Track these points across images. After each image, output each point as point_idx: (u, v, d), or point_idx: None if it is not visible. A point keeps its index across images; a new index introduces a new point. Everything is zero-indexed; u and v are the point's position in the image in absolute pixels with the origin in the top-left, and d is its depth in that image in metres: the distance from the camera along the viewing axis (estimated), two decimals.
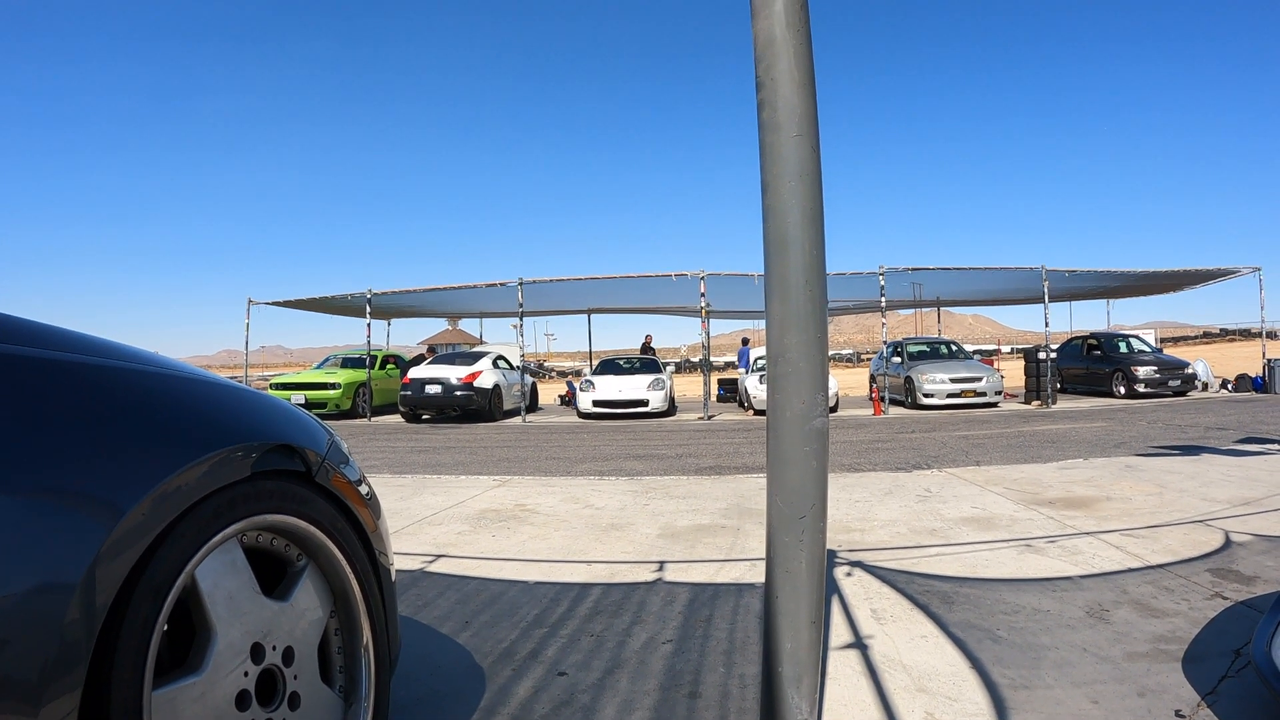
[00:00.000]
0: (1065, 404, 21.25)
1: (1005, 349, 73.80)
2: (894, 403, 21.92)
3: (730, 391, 27.48)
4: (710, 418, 20.13)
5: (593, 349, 34.42)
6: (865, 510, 6.95)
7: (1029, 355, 22.44)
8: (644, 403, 20.63)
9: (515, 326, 24.31)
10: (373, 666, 2.25)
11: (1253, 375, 23.96)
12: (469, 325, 55.71)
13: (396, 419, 22.01)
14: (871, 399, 22.38)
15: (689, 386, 33.58)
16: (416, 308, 29.79)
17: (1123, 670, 3.42)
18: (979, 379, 20.84)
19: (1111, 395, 23.05)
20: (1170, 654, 3.58)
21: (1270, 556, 5.05)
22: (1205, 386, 24.33)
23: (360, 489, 2.37)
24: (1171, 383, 22.30)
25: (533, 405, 24.62)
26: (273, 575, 2.02)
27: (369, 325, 23.77)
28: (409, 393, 20.59)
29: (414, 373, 21.03)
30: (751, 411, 21.37)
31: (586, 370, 25.96)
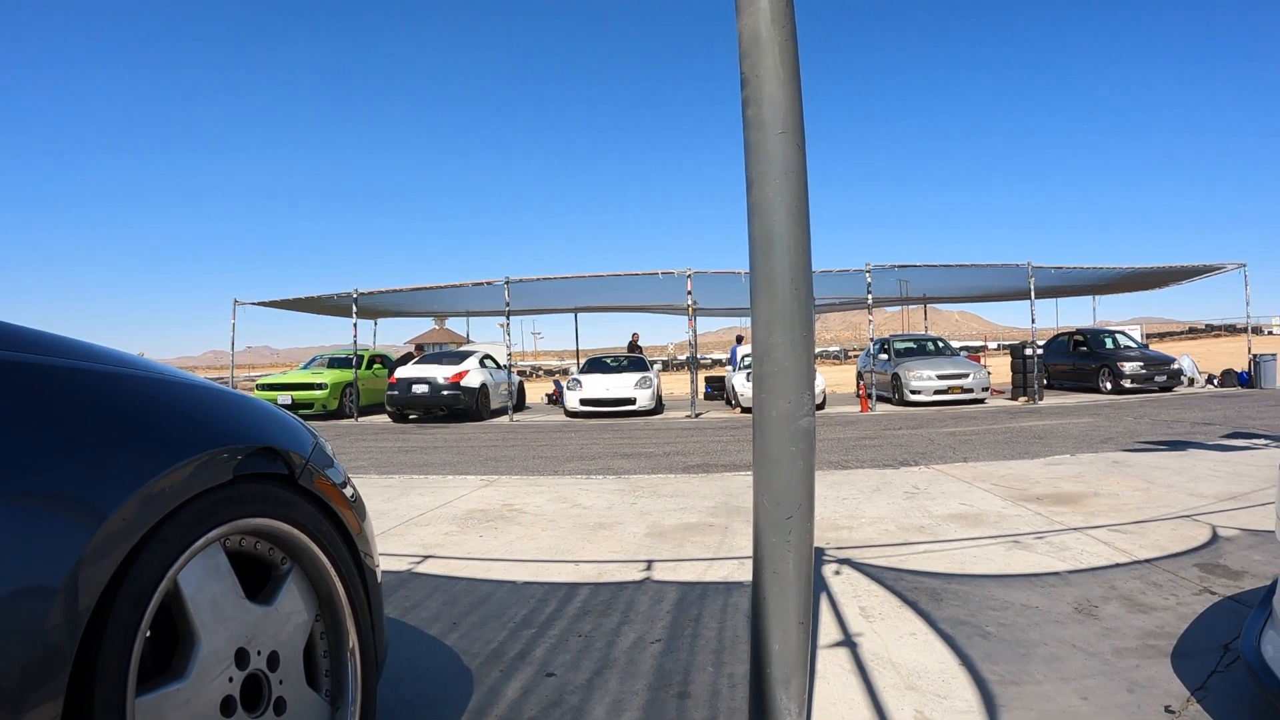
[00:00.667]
0: (1052, 400, 21.30)
1: (992, 345, 73.95)
2: (881, 399, 21.95)
3: (717, 389, 27.50)
4: (697, 416, 20.14)
5: (580, 347, 34.40)
6: (853, 507, 6.96)
7: (1015, 351, 22.49)
8: (631, 401, 20.62)
9: (502, 325, 24.31)
10: (359, 670, 2.23)
11: (1238, 370, 24.05)
12: (456, 325, 55.69)
13: (383, 419, 21.93)
14: (859, 396, 22.38)
15: (676, 384, 33.62)
16: (403, 307, 29.72)
17: (1112, 666, 3.42)
18: (966, 375, 20.90)
19: (1098, 391, 23.09)
20: (1159, 649, 3.59)
21: (1258, 551, 5.07)
22: (1191, 382, 24.42)
23: (344, 491, 2.35)
24: (1158, 378, 22.34)
25: (520, 404, 24.57)
26: (257, 579, 2.00)
27: (355, 325, 23.66)
28: (396, 392, 20.51)
29: (401, 372, 20.97)
30: (739, 409, 21.37)
31: (573, 369, 25.90)
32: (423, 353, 26.74)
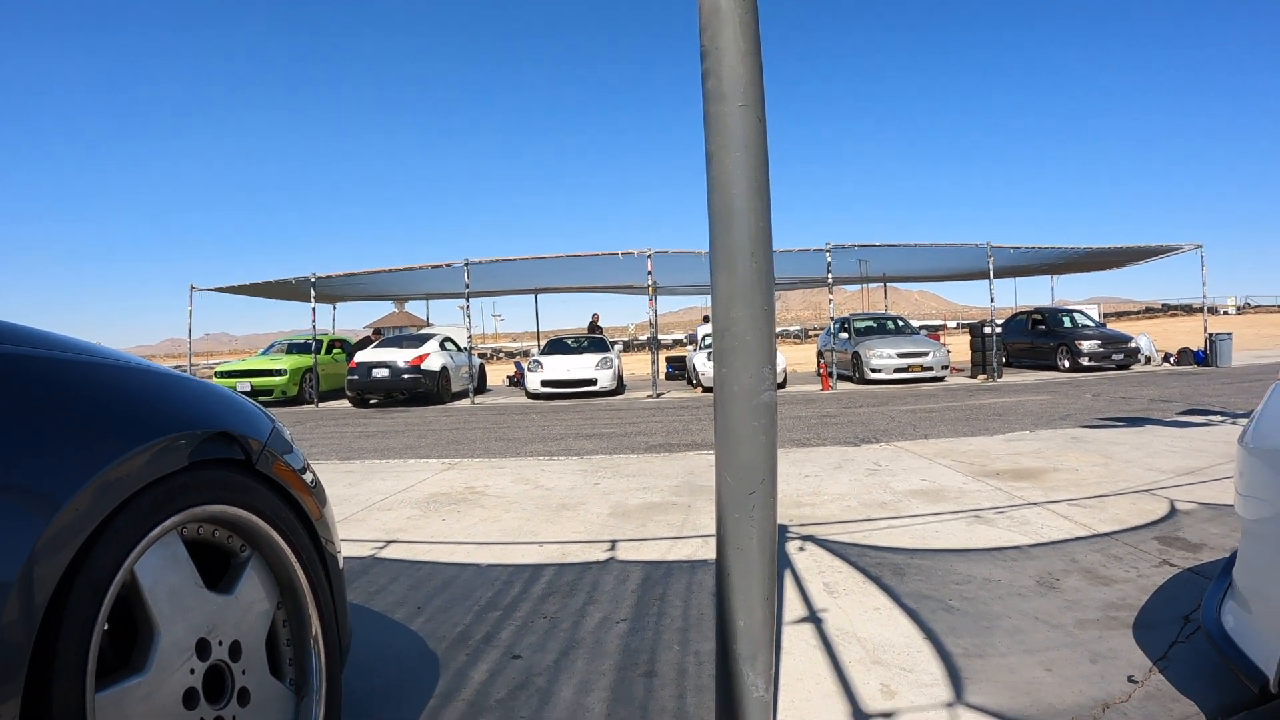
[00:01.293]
0: (1011, 378, 21.51)
1: (951, 324, 74.53)
2: (842, 378, 22.05)
3: (678, 369, 27.45)
4: (659, 395, 20.12)
5: (540, 329, 34.32)
6: (816, 485, 6.98)
7: (975, 330, 22.67)
8: (592, 381, 20.56)
9: (462, 308, 24.05)
10: (323, 657, 2.20)
11: (1194, 349, 24.34)
12: (416, 308, 55.35)
13: (344, 404, 21.72)
14: (819, 375, 22.40)
15: (637, 365, 33.59)
16: (362, 291, 29.41)
17: (1075, 637, 3.46)
18: (925, 354, 21.02)
19: (1056, 369, 23.34)
20: (1121, 621, 3.63)
21: (1215, 524, 5.13)
22: (1148, 360, 24.72)
23: (304, 476, 2.31)
24: (1115, 356, 22.62)
25: (481, 387, 24.47)
26: (216, 568, 1.96)
27: (314, 309, 23.31)
28: (356, 377, 20.33)
29: (360, 356, 20.77)
30: (700, 388, 21.36)
31: (534, 351, 25.79)
32: (381, 336, 26.50)
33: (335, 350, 25.33)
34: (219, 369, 23.56)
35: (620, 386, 22.15)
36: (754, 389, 1.99)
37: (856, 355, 21.70)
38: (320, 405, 21.91)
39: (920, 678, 3.11)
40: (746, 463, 2.02)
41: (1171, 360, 25.06)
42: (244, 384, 21.30)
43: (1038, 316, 25.84)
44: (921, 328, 39.54)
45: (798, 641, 3.51)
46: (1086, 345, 22.57)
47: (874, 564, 4.61)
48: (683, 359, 26.97)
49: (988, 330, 21.78)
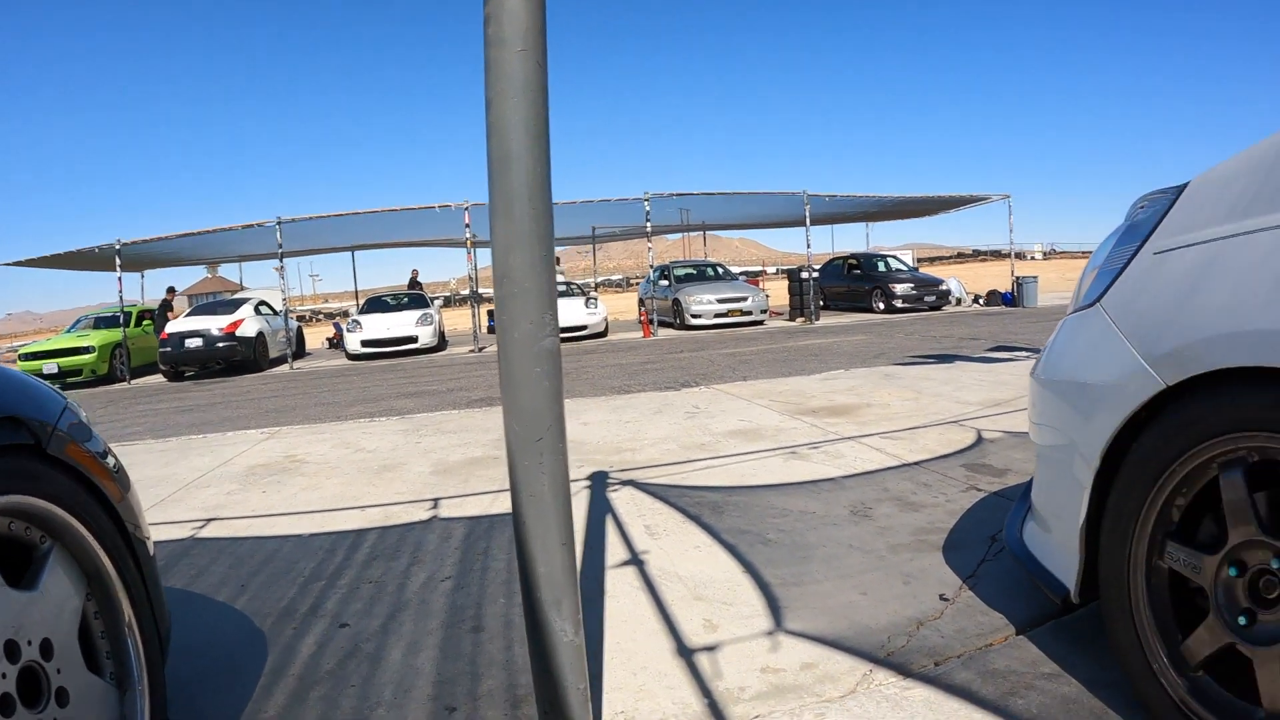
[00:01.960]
0: (828, 320, 22.15)
1: (771, 270, 76.11)
2: (663, 325, 22.34)
3: None
4: (480, 350, 19.99)
5: (359, 288, 33.50)
6: (636, 430, 7.04)
7: (792, 275, 23.25)
8: (413, 339, 20.29)
9: (277, 269, 23.17)
10: (140, 646, 2.09)
11: (1002, 291, 25.53)
12: (229, 271, 53.34)
13: (159, 379, 20.54)
14: (641, 322, 22.57)
15: (459, 320, 33.21)
16: (172, 256, 27.99)
17: (887, 561, 3.59)
18: (745, 298, 21.47)
19: (872, 311, 24.15)
20: (931, 543, 3.78)
21: (1019, 450, 5.39)
22: (959, 301, 25.82)
23: (105, 461, 2.18)
24: (927, 298, 23.58)
25: (300, 351, 23.74)
26: (16, 563, 1.84)
27: (120, 279, 21.89)
28: (168, 349, 19.32)
29: (172, 327, 19.72)
30: None
31: (353, 310, 25.15)
32: (175, 294, 25.23)
33: (146, 322, 23.98)
34: (22, 351, 22.01)
35: (442, 343, 21.92)
36: (534, 335, 1.98)
37: (677, 302, 21.95)
38: (134, 382, 20.62)
39: (741, 610, 3.18)
40: (531, 408, 2.00)
41: (981, 301, 26.22)
42: (50, 365, 19.86)
43: (853, 261, 26.64)
44: (742, 274, 40.22)
45: (622, 584, 3.54)
46: (900, 288, 23.42)
47: (694, 504, 4.67)
48: None
49: (805, 275, 22.37)
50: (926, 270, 31.58)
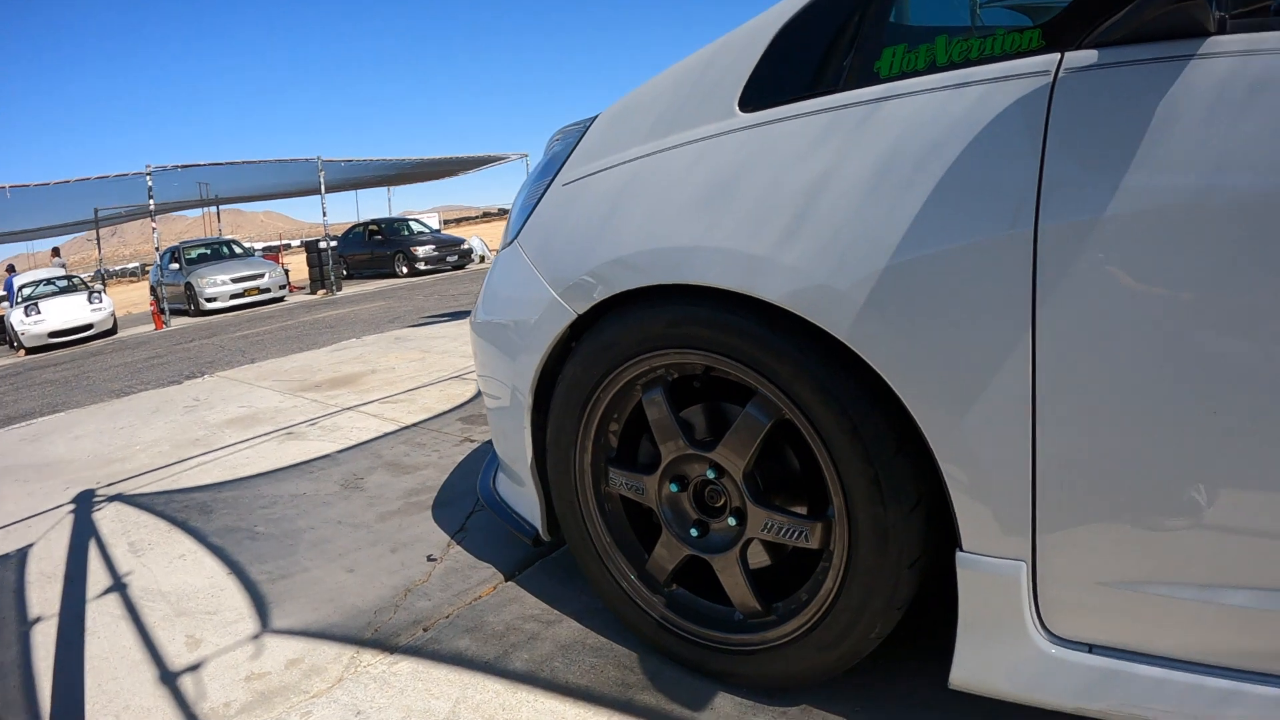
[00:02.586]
0: (351, 289, 21.71)
1: (295, 243, 73.81)
2: (178, 313, 20.84)
3: None
4: None
5: None
6: (130, 436, 6.42)
7: (310, 246, 22.63)
8: None
9: None
10: None
11: None
12: None
13: None
14: (152, 313, 20.88)
15: None
16: None
17: (376, 533, 3.49)
18: (261, 275, 20.57)
19: (395, 276, 24.06)
20: (421, 504, 3.74)
21: None
22: (482, 259, 26.29)
23: None
24: (450, 259, 23.87)
25: None
26: None
27: None
28: None
29: None
30: (23, 351, 18.67)
31: None
32: None
33: None
34: None
35: None
36: None
37: (190, 286, 20.50)
38: None
39: (225, 617, 2.94)
40: None
41: None
42: None
43: (374, 228, 26.35)
44: (264, 249, 38.70)
45: (103, 616, 3.14)
46: (422, 250, 23.55)
47: (181, 508, 4.29)
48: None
49: (323, 245, 21.85)
50: (453, 231, 31.92)
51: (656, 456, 2.11)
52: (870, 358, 1.57)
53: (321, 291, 21.39)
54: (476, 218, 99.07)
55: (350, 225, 28.50)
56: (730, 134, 1.85)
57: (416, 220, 27.31)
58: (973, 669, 1.63)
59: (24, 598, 3.37)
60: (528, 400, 2.36)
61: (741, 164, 1.80)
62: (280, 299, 20.83)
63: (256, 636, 2.77)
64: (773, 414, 1.83)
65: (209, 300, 19.92)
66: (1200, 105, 1.22)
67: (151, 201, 20.91)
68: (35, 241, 32.93)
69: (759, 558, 2.03)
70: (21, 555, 3.91)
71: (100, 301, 18.95)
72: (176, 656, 2.73)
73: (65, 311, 18.20)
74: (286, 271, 21.94)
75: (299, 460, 4.81)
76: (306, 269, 22.94)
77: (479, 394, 5.70)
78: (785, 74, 1.81)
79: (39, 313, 17.99)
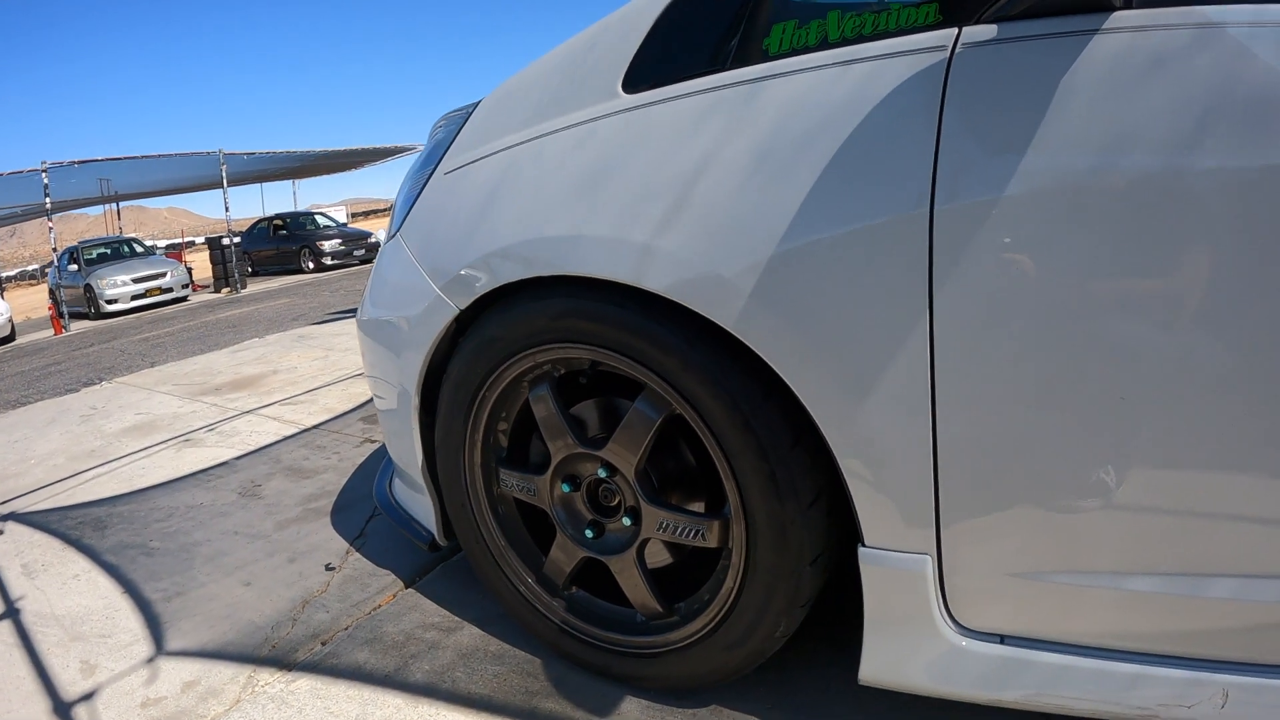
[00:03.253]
0: (256, 286, 21.24)
1: (199, 240, 72.28)
2: (78, 316, 20.09)
3: None
4: None
5: None
6: (24, 449, 6.14)
7: (213, 243, 22.15)
8: None
9: None
10: None
11: None
12: None
13: None
14: (51, 318, 20.21)
15: None
16: None
17: (274, 543, 3.38)
18: (164, 274, 19.98)
19: (302, 271, 23.63)
20: (321, 510, 3.64)
21: None
22: None
23: None
24: (356, 252, 23.49)
25: None
26: None
27: None
28: None
29: None
30: None
31: None
32: None
33: None
34: None
35: None
36: None
37: (89, 288, 19.78)
38: None
39: (120, 640, 2.80)
40: None
41: None
42: None
43: (279, 222, 25.87)
44: (167, 247, 37.83)
45: None
46: (328, 245, 23.23)
47: (75, 525, 4.10)
48: None
49: (226, 242, 21.37)
50: (362, 224, 31.55)
51: (547, 456, 2.05)
52: (759, 349, 1.52)
53: (225, 290, 20.92)
54: (385, 210, 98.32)
55: (255, 220, 27.96)
56: (612, 116, 1.79)
57: (323, 214, 26.92)
58: (882, 664, 1.60)
59: None
60: (415, 400, 2.28)
61: (623, 147, 1.74)
62: (183, 298, 20.27)
63: (151, 660, 2.65)
64: (663, 409, 1.77)
65: (109, 302, 19.27)
66: (1100, 81, 1.19)
67: (48, 200, 20.14)
68: None
69: (660, 556, 1.98)
70: None
71: None
72: (71, 685, 2.60)
73: None
74: (190, 270, 21.41)
75: (196, 469, 4.63)
76: (210, 267, 22.43)
77: None
78: (672, 52, 1.76)
79: None
